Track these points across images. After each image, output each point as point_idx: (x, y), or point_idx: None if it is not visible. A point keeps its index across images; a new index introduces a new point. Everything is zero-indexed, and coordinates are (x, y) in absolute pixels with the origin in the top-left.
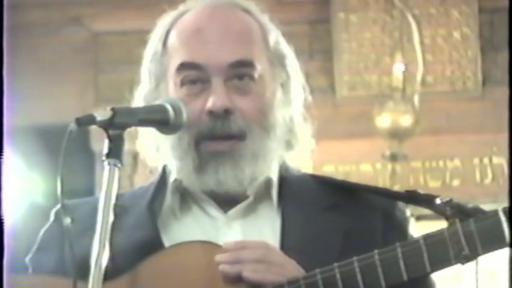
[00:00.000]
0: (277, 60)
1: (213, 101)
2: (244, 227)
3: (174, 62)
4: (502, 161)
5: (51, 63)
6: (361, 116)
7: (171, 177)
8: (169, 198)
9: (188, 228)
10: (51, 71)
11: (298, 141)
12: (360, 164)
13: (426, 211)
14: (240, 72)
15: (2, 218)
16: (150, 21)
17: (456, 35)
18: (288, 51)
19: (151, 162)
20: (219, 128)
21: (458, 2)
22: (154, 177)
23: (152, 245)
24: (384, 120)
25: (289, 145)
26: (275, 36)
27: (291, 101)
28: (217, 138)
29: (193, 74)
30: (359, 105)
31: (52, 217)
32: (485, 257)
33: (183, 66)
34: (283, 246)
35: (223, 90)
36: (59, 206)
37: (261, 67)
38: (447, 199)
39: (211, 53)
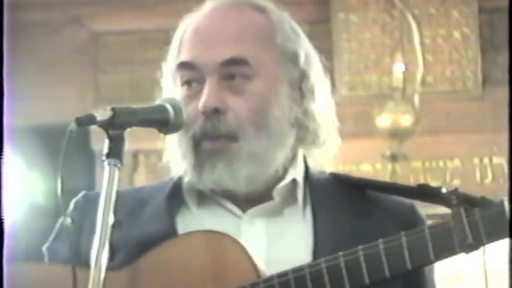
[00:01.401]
0: (286, 58)
1: (203, 100)
2: (267, 226)
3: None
4: (502, 161)
5: (51, 64)
6: (361, 116)
7: (186, 177)
8: (185, 197)
9: (206, 225)
10: (51, 71)
11: (317, 139)
12: (360, 164)
13: (434, 210)
14: (233, 70)
15: (2, 218)
16: (150, 21)
17: (456, 35)
18: (303, 48)
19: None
20: (209, 128)
21: (458, 2)
22: (174, 175)
23: (168, 237)
24: (384, 120)
25: (302, 142)
26: (284, 35)
27: (304, 98)
28: (210, 138)
29: (190, 74)
30: (359, 105)
31: (72, 206)
32: (487, 257)
33: (180, 66)
34: (317, 251)
35: (214, 90)
36: (79, 196)
37: (258, 65)
38: (453, 188)
39: (205, 52)
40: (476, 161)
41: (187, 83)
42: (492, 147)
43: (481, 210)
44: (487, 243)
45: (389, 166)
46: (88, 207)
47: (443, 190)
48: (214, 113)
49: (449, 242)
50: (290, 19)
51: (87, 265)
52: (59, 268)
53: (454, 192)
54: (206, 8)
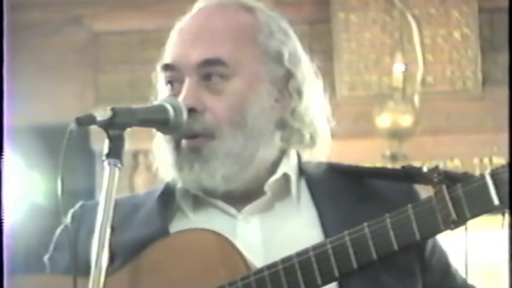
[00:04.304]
0: (269, 56)
1: (179, 101)
2: (262, 222)
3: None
4: (502, 161)
5: (51, 63)
6: (361, 116)
7: (179, 183)
8: (180, 202)
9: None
10: (51, 71)
11: (303, 139)
12: (360, 164)
13: None
14: (209, 71)
15: (2, 218)
16: (150, 21)
17: (456, 35)
18: (288, 48)
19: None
20: (185, 126)
21: (458, 2)
22: (162, 175)
23: (160, 238)
24: (383, 120)
25: (287, 142)
26: (268, 33)
27: (292, 98)
28: (188, 137)
29: (171, 75)
30: (359, 105)
31: (69, 217)
32: (485, 256)
33: (163, 68)
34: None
35: (192, 90)
36: (76, 206)
37: (236, 64)
38: (433, 166)
39: (184, 53)
40: (476, 161)
41: (170, 83)
42: (492, 147)
43: (463, 185)
44: (471, 218)
45: (389, 166)
46: (85, 216)
47: (425, 169)
48: (191, 112)
49: (433, 220)
50: (280, 19)
51: (86, 272)
52: (59, 278)
53: (435, 169)
54: (195, 8)
